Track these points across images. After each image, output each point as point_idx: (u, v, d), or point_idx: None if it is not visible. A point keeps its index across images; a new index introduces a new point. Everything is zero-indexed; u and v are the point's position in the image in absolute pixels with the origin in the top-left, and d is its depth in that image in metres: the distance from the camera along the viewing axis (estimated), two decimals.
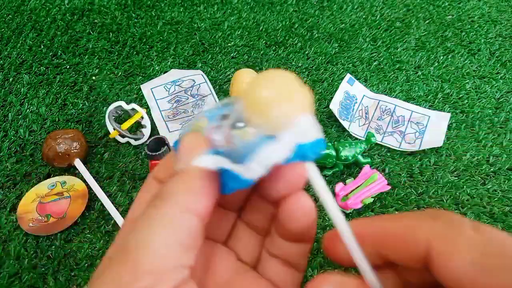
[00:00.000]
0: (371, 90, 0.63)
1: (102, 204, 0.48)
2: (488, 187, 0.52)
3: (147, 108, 0.59)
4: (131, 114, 0.56)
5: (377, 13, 0.78)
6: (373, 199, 0.49)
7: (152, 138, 0.53)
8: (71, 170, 0.52)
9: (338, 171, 0.53)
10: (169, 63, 0.66)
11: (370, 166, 0.52)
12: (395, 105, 0.62)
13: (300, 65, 0.67)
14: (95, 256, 0.45)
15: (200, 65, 0.66)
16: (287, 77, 0.18)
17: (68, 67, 0.65)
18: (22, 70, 0.65)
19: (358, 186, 0.50)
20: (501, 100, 0.63)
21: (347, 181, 0.51)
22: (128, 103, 0.56)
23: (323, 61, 0.68)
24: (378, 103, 0.62)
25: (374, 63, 0.68)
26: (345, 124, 0.58)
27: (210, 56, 0.68)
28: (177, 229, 0.16)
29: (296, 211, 0.19)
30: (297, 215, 0.19)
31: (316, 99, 0.61)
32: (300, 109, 0.18)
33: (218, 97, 0.61)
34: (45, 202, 0.49)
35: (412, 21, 0.76)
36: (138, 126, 0.57)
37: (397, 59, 0.69)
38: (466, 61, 0.69)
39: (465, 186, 0.52)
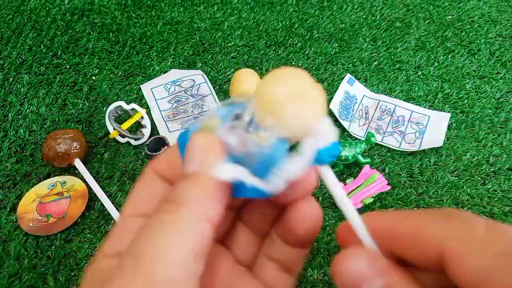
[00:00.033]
0: (371, 90, 0.63)
1: (102, 204, 0.49)
2: (488, 187, 0.52)
3: (147, 108, 0.59)
4: (131, 114, 0.56)
5: (377, 13, 0.78)
6: (373, 199, 0.49)
7: (152, 138, 0.53)
8: (71, 170, 0.52)
9: (338, 171, 0.53)
10: (169, 63, 0.66)
11: (370, 166, 0.52)
12: (395, 105, 0.62)
13: (300, 65, 0.67)
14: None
15: (200, 65, 0.66)
16: (300, 75, 0.18)
17: (68, 67, 0.65)
18: (22, 70, 0.65)
19: (358, 186, 0.50)
20: (501, 100, 0.63)
21: (347, 181, 0.51)
22: (128, 103, 0.56)
23: (323, 61, 0.68)
24: (378, 103, 0.62)
25: (374, 63, 0.68)
26: (345, 124, 0.58)
27: (210, 56, 0.68)
28: (192, 238, 0.15)
29: (306, 218, 0.19)
30: (306, 222, 0.19)
31: None
32: (314, 107, 0.17)
33: (218, 97, 0.61)
34: (45, 202, 0.49)
35: (412, 21, 0.76)
36: (138, 126, 0.57)
37: (397, 59, 0.69)
38: (466, 61, 0.69)
39: (465, 186, 0.52)
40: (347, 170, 0.53)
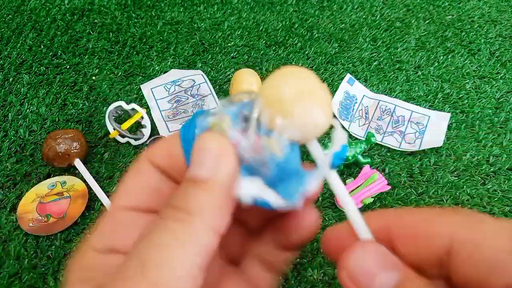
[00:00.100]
0: (371, 90, 0.63)
1: (102, 204, 0.48)
2: (488, 187, 0.52)
3: (147, 108, 0.59)
4: (131, 114, 0.56)
5: (377, 13, 0.78)
6: (373, 199, 0.49)
7: (152, 138, 0.53)
8: (71, 170, 0.52)
9: (338, 171, 0.53)
10: (169, 63, 0.66)
11: (370, 166, 0.52)
12: (395, 105, 0.62)
13: (300, 65, 0.67)
14: None
15: (200, 65, 0.66)
16: (307, 73, 0.17)
17: (68, 67, 0.65)
18: (22, 70, 0.65)
19: (358, 186, 0.50)
20: (501, 100, 0.63)
21: (347, 181, 0.51)
22: (128, 103, 0.56)
23: (323, 61, 0.68)
24: (378, 103, 0.62)
25: (374, 63, 0.68)
26: (345, 124, 0.58)
27: (210, 56, 0.68)
28: (200, 251, 0.15)
29: (306, 227, 0.18)
30: (305, 231, 0.19)
31: None
32: (324, 106, 0.17)
33: (218, 97, 0.61)
34: (45, 202, 0.49)
35: (412, 21, 0.76)
36: (138, 126, 0.57)
37: (397, 59, 0.69)
38: (466, 61, 0.69)
39: (465, 186, 0.52)
40: (347, 170, 0.53)
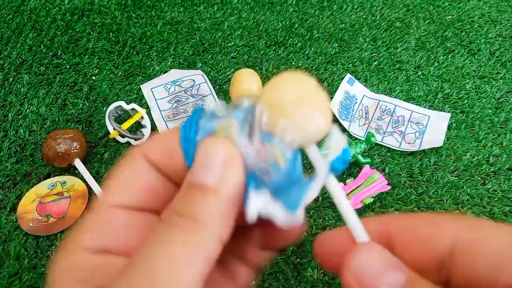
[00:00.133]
0: (371, 90, 0.63)
1: None
2: (488, 187, 0.52)
3: (147, 108, 0.59)
4: (131, 114, 0.56)
5: (377, 13, 0.78)
6: (373, 199, 0.49)
7: None
8: (71, 170, 0.52)
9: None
10: (169, 63, 0.66)
11: (370, 166, 0.52)
12: (395, 105, 0.62)
13: (300, 65, 0.67)
14: None
15: (200, 65, 0.66)
16: (306, 79, 0.17)
17: (68, 67, 0.65)
18: (22, 70, 0.65)
19: (358, 186, 0.50)
20: (501, 100, 0.63)
21: (347, 181, 0.51)
22: (128, 103, 0.56)
23: (323, 61, 0.68)
24: (378, 103, 0.62)
25: (374, 63, 0.68)
26: (345, 124, 0.58)
27: (210, 56, 0.68)
28: (206, 261, 0.15)
29: (293, 233, 0.18)
30: (292, 236, 0.18)
31: None
32: (324, 111, 0.17)
33: (218, 97, 0.61)
34: (45, 202, 0.49)
35: (412, 21, 0.76)
36: (138, 126, 0.57)
37: (397, 59, 0.69)
38: (466, 61, 0.69)
39: (465, 186, 0.52)
40: (347, 170, 0.53)
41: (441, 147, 0.56)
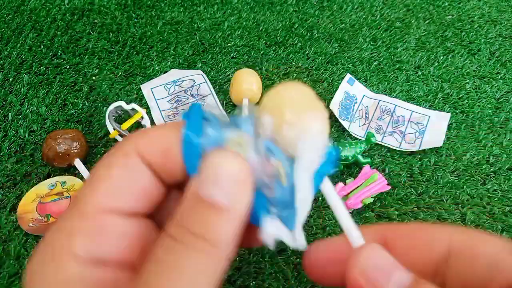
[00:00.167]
0: (371, 90, 0.63)
1: None
2: (488, 187, 0.52)
3: (147, 108, 0.59)
4: (131, 114, 0.56)
5: (377, 13, 0.78)
6: (373, 199, 0.49)
7: None
8: (71, 170, 0.52)
9: (338, 171, 0.53)
10: (169, 63, 0.66)
11: (370, 166, 0.52)
12: (395, 105, 0.62)
13: (300, 65, 0.67)
14: None
15: (200, 65, 0.66)
16: (306, 89, 0.18)
17: (68, 67, 0.65)
18: (22, 70, 0.65)
19: (358, 186, 0.50)
20: (501, 100, 0.63)
21: (347, 181, 0.51)
22: (128, 103, 0.56)
23: (323, 61, 0.68)
24: (378, 103, 0.62)
25: (374, 63, 0.68)
26: (345, 124, 0.58)
27: (210, 56, 0.68)
28: (215, 280, 0.15)
29: (258, 237, 0.18)
30: (257, 240, 0.18)
31: None
32: (323, 120, 0.18)
33: (218, 97, 0.61)
34: (45, 202, 0.49)
35: (412, 21, 0.76)
36: (138, 126, 0.57)
37: (397, 59, 0.69)
38: (466, 61, 0.69)
39: (465, 186, 0.52)
40: (347, 170, 0.53)
41: (441, 147, 0.56)
